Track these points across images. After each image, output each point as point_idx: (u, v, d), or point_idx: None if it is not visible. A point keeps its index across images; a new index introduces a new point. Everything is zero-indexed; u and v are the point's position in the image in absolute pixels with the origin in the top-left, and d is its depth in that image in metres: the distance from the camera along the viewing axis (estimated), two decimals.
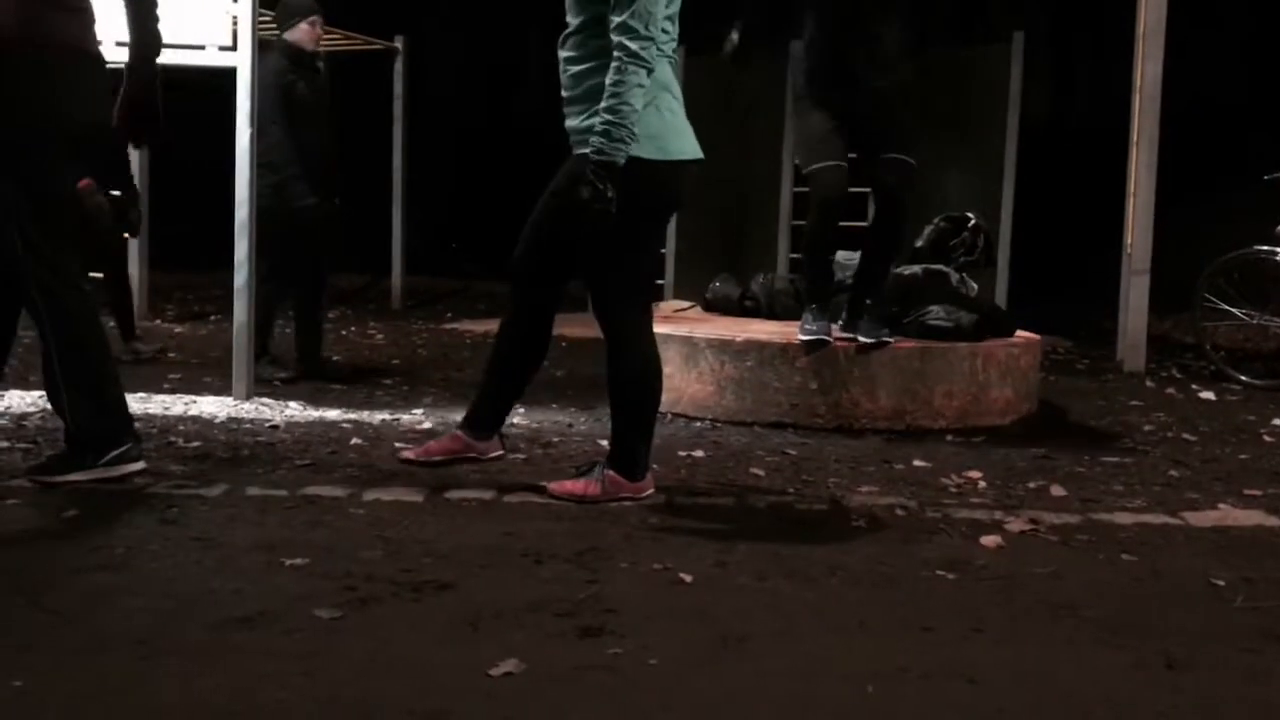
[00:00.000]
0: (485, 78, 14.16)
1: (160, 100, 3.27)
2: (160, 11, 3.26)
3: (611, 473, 3.23)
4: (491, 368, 3.40)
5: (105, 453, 3.24)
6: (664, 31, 3.09)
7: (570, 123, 3.17)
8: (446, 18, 13.74)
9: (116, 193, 5.94)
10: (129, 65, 3.22)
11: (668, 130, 3.13)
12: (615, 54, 2.98)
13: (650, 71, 3.01)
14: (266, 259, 5.33)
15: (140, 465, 3.33)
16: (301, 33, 5.38)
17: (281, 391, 5.03)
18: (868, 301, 4.63)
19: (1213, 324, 6.55)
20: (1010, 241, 8.12)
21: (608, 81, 2.99)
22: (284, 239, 5.31)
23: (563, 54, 3.18)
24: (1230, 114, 10.51)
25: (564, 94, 3.18)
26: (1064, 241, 9.79)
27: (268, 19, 5.41)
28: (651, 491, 3.27)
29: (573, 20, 3.13)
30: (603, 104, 2.99)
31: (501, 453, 3.43)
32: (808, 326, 4.45)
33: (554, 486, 3.25)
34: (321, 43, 5.62)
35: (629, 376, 3.24)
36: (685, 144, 3.18)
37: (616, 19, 2.99)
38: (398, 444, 3.98)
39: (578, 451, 3.94)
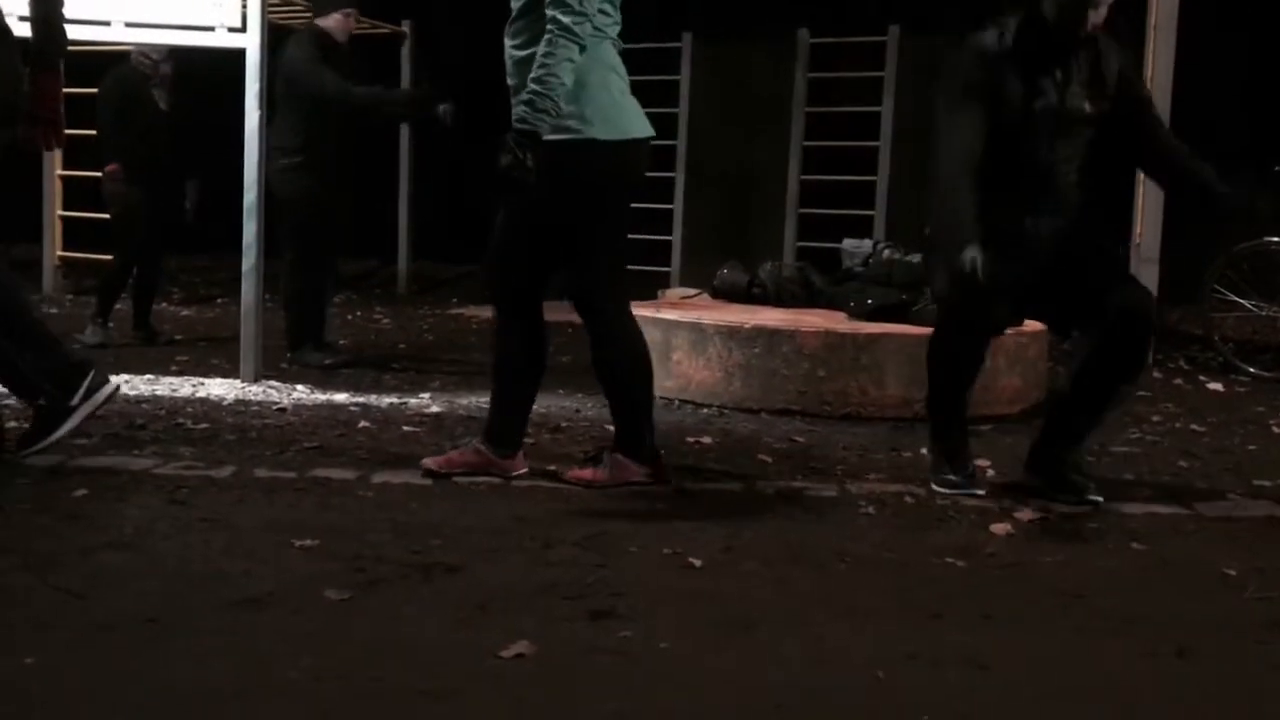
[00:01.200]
0: (494, 62, 14.11)
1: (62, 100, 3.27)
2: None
3: (619, 456, 3.23)
4: (498, 377, 3.33)
5: (75, 387, 3.25)
6: (603, 13, 3.09)
7: (516, 111, 3.12)
8: (455, 2, 13.69)
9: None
10: (35, 58, 3.19)
11: (619, 110, 3.12)
12: (548, 28, 2.99)
13: (582, 48, 3.00)
14: (295, 247, 5.33)
15: (113, 385, 3.38)
16: (335, 21, 5.32)
17: (289, 374, 5.03)
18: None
19: (1221, 315, 6.53)
20: None
21: (539, 54, 2.99)
22: (307, 225, 5.27)
23: (507, 41, 3.19)
24: (1240, 104, 10.46)
25: (509, 81, 3.17)
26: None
27: (276, 2, 5.39)
28: (524, 470, 3.27)
29: (515, 5, 3.13)
30: (531, 74, 2.99)
31: (525, 470, 3.30)
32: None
33: (570, 475, 3.24)
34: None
35: (621, 364, 3.24)
36: (637, 123, 3.17)
37: None
38: (406, 427, 3.98)
39: (585, 436, 3.94)
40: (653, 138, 3.22)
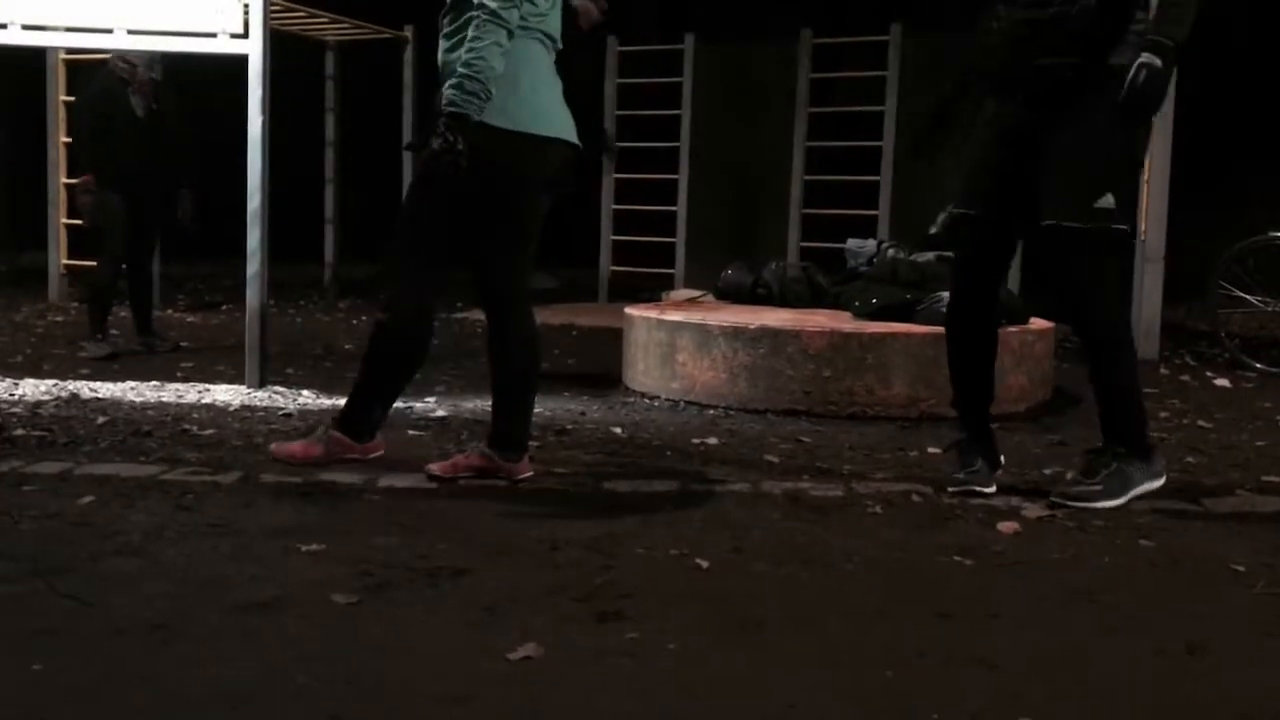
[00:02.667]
0: None
1: None
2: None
3: (489, 451, 3.25)
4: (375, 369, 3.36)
5: None
6: (531, 3, 3.09)
7: (445, 94, 3.11)
8: None
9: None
10: None
11: (524, 107, 3.11)
12: (476, 14, 3.00)
13: (510, 34, 3.01)
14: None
15: None
16: None
17: (294, 380, 5.03)
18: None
19: (1228, 311, 6.52)
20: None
21: (467, 38, 3.00)
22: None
23: (441, 34, 3.20)
24: (1245, 100, 10.45)
25: (440, 73, 3.18)
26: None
27: (278, 8, 5.39)
28: (530, 474, 3.27)
29: None
30: (460, 59, 3.00)
31: (530, 474, 3.29)
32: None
33: (436, 467, 3.27)
34: (332, 31, 5.59)
35: (517, 362, 3.27)
36: (547, 123, 3.16)
37: None
38: (411, 431, 3.98)
39: (591, 438, 3.94)
40: (565, 140, 3.20)
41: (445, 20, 3.17)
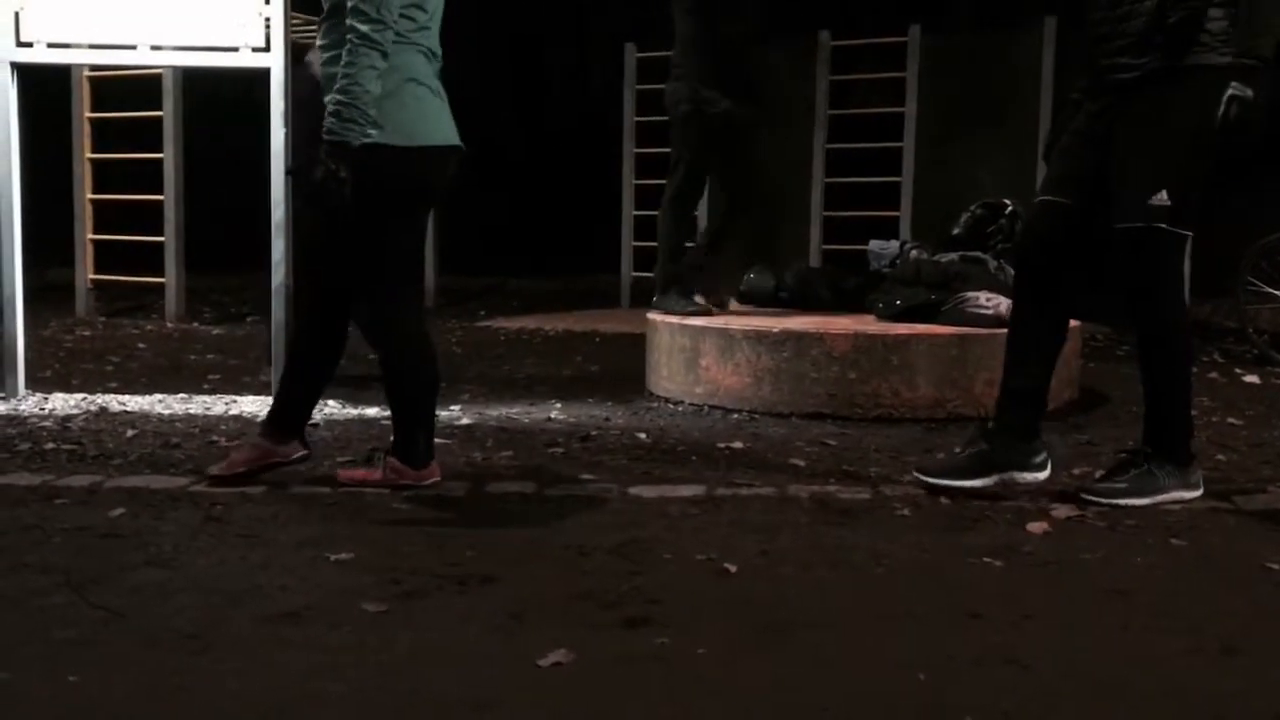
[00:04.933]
0: (510, 74, 14.18)
1: None
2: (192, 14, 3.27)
3: (394, 460, 3.25)
4: (291, 370, 3.38)
5: None
6: (408, 19, 3.10)
7: (325, 123, 3.12)
8: (470, 11, 13.77)
9: None
10: None
11: (411, 118, 3.11)
12: (348, 37, 3.01)
13: (384, 55, 3.02)
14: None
15: None
16: None
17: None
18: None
19: (1255, 307, 6.46)
20: None
21: (341, 64, 3.02)
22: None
23: (317, 44, 3.22)
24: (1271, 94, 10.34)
25: (323, 86, 3.18)
26: (1102, 225, 9.67)
27: (298, 20, 5.41)
28: (437, 479, 3.28)
29: (325, 6, 3.16)
30: (335, 86, 3.02)
31: (306, 453, 3.39)
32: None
33: (342, 474, 3.30)
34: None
35: (403, 369, 3.27)
36: (433, 131, 3.16)
37: (350, 3, 3.01)
38: (437, 440, 3.98)
39: (616, 444, 3.94)
40: (458, 147, 3.21)
41: (321, 30, 3.19)
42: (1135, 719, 1.84)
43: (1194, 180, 3.05)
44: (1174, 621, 2.24)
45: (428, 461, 3.28)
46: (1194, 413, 4.56)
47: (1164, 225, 3.00)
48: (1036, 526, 2.88)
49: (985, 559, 2.63)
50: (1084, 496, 3.10)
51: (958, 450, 3.34)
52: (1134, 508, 3.04)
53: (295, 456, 3.38)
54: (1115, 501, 3.06)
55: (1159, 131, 3.01)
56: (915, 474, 3.29)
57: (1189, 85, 2.97)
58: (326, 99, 3.05)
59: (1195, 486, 3.15)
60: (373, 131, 3.03)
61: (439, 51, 3.25)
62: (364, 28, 2.99)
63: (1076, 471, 3.52)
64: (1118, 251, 3.10)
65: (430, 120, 3.17)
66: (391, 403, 3.33)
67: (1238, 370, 5.84)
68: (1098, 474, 3.28)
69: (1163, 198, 2.98)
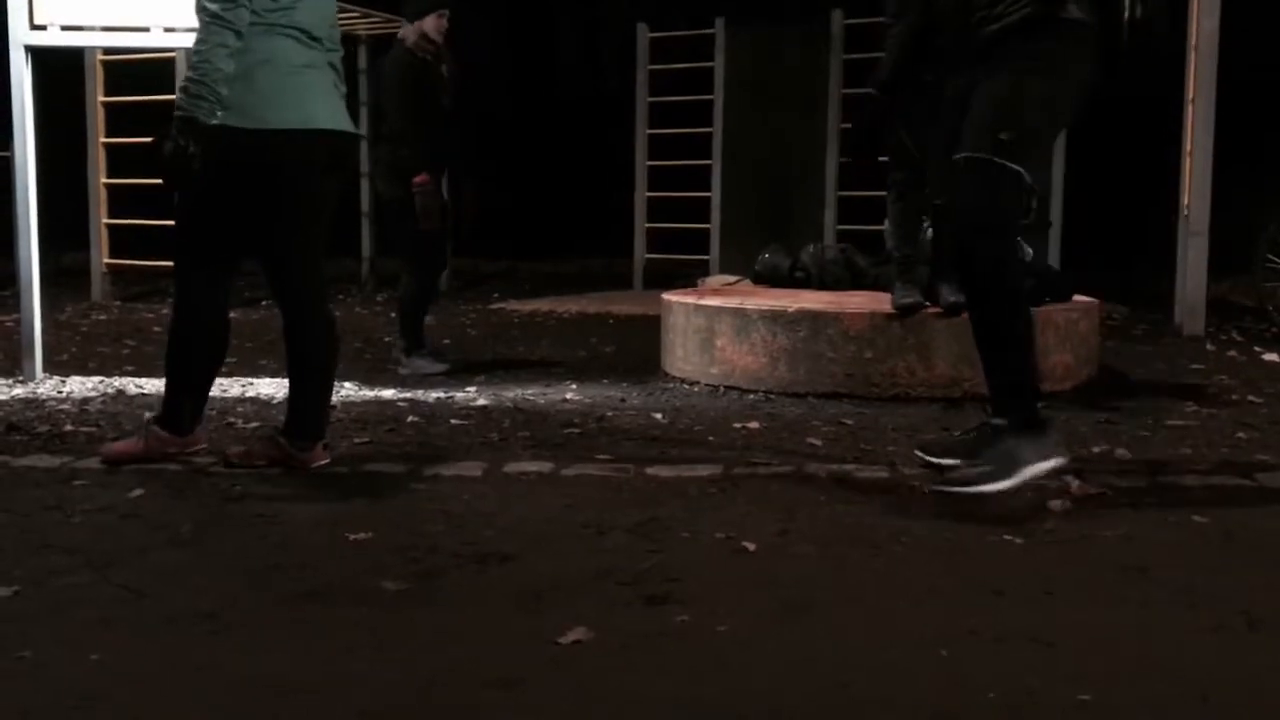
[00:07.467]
0: (521, 55, 14.13)
1: None
2: None
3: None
4: (177, 365, 3.35)
5: None
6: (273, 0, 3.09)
7: (177, 99, 3.13)
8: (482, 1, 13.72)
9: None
10: None
11: (259, 101, 3.09)
12: (198, 15, 3.03)
13: (238, 34, 3.02)
14: (404, 255, 5.33)
15: None
16: (430, 24, 5.10)
17: (338, 372, 5.04)
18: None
19: (1273, 284, 6.42)
20: (1064, 205, 7.99)
21: (194, 42, 3.06)
22: (413, 230, 5.11)
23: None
24: None
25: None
26: (1119, 204, 9.61)
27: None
28: (325, 462, 3.28)
29: None
30: (190, 62, 3.06)
31: (204, 445, 3.40)
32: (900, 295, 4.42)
33: (231, 453, 3.30)
34: (363, 25, 5.48)
35: (313, 349, 3.29)
36: (289, 115, 3.11)
37: None
38: (454, 420, 3.98)
39: (632, 425, 3.93)
40: (327, 131, 3.17)
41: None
42: (1159, 696, 1.82)
43: (1038, 129, 2.95)
44: (1198, 597, 2.23)
45: (314, 444, 3.28)
46: (1214, 391, 4.55)
47: (1000, 160, 2.86)
48: (1057, 504, 2.86)
49: (1006, 536, 2.61)
50: (939, 489, 2.91)
51: (970, 461, 3.07)
52: (1000, 493, 2.83)
53: (196, 447, 3.37)
54: (979, 489, 2.83)
55: (1012, 77, 2.90)
56: (937, 485, 3.00)
57: (1046, 38, 2.88)
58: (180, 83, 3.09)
59: (1055, 455, 2.88)
60: (220, 112, 3.03)
61: (322, 35, 3.21)
62: (213, 7, 3.01)
63: (1097, 450, 3.50)
64: (958, 185, 2.98)
65: (287, 104, 3.12)
66: (291, 380, 3.35)
67: (1257, 348, 5.80)
68: (956, 463, 3.08)
69: (1005, 136, 2.87)
